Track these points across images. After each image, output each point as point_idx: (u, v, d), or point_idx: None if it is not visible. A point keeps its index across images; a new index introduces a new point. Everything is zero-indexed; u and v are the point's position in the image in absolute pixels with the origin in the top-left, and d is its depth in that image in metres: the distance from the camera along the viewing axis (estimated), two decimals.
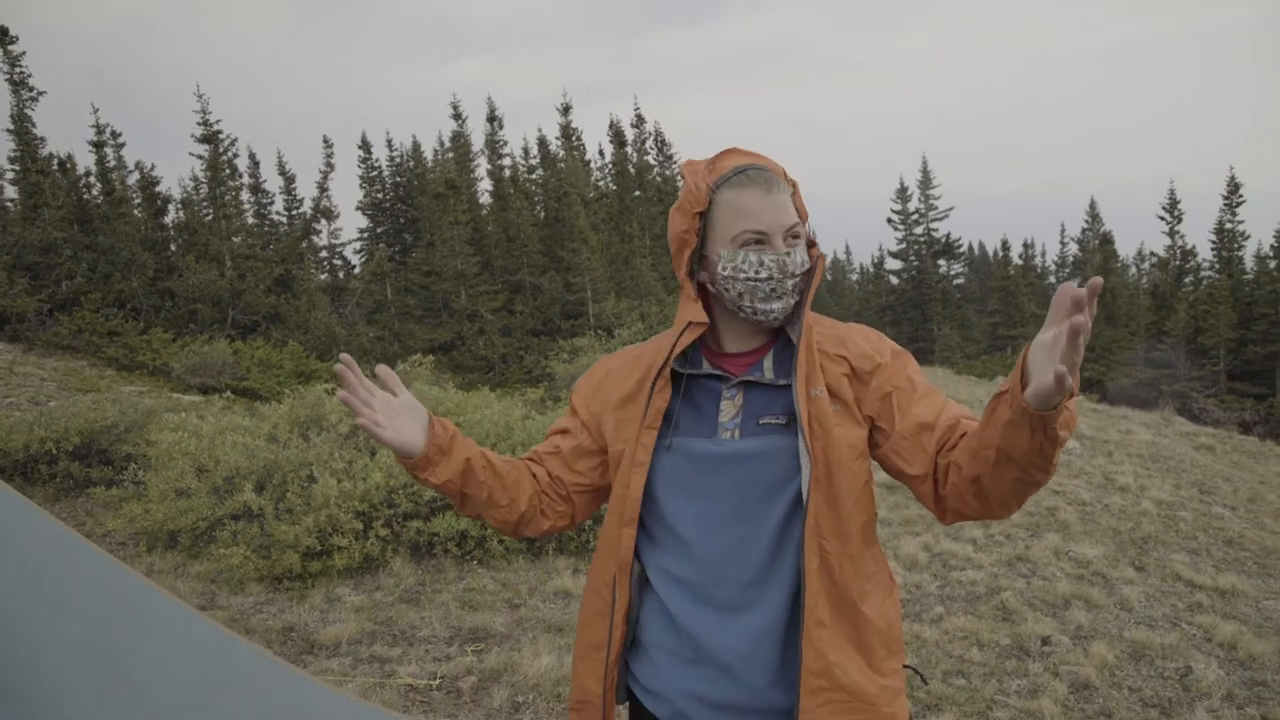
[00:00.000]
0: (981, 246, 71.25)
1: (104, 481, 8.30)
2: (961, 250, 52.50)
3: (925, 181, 50.16)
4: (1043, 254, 59.00)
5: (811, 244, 1.70)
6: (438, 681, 4.63)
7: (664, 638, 1.70)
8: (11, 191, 25.09)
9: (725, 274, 1.65)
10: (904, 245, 50.83)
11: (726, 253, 1.64)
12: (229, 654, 2.36)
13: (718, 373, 1.70)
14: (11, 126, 22.86)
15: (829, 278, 72.91)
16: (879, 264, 56.09)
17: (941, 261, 50.52)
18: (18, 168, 22.71)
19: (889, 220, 51.10)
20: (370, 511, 6.65)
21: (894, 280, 52.66)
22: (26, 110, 22.95)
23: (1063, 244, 57.10)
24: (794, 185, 1.69)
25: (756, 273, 1.63)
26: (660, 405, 1.71)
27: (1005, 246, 47.67)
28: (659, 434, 1.70)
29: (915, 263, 50.17)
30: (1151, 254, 43.50)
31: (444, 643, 5.21)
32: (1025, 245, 50.53)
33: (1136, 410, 16.96)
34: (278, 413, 8.77)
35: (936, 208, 50.33)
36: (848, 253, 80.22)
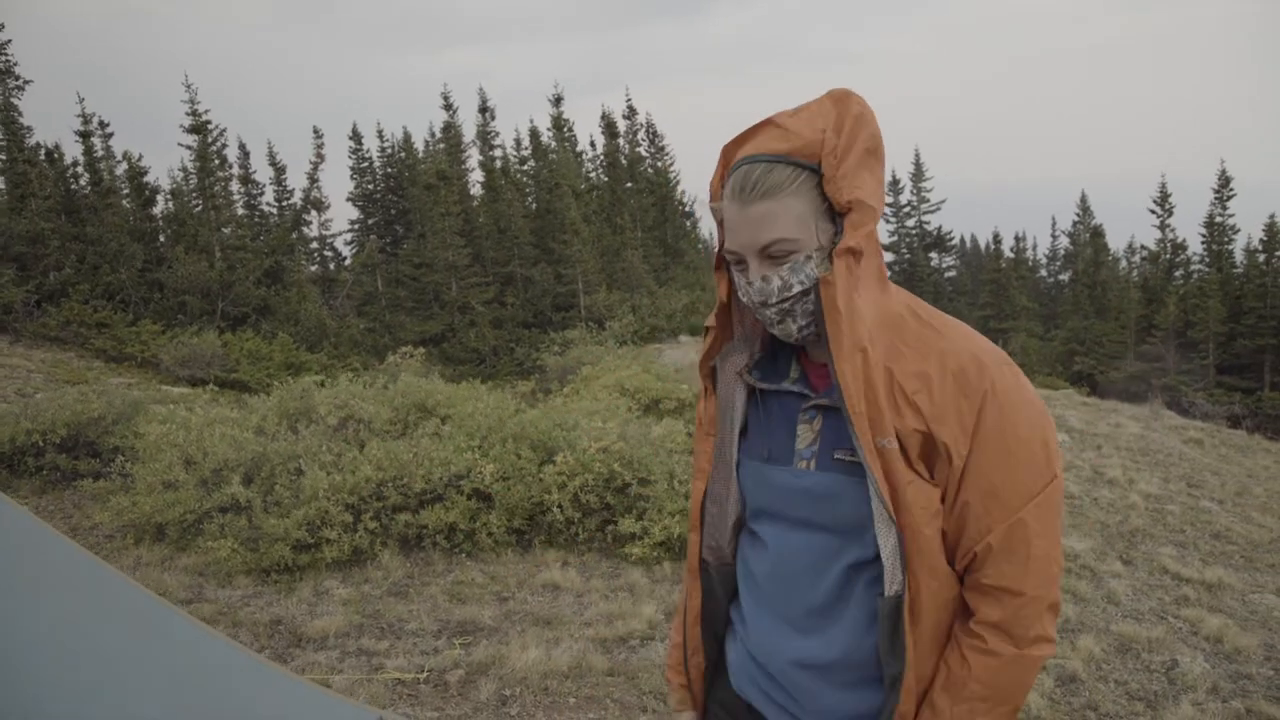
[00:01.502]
0: (973, 239, 71.40)
1: (91, 474, 8.26)
2: (953, 243, 52.59)
3: (917, 174, 50.17)
4: (1034, 247, 59.09)
5: (845, 251, 1.35)
6: (425, 675, 4.62)
7: (745, 635, 1.60)
8: None
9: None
10: (896, 238, 50.88)
11: (734, 272, 1.47)
12: (210, 651, 2.35)
13: (797, 389, 1.49)
14: None
15: None
16: None
17: (933, 254, 50.59)
18: (4, 157, 22.55)
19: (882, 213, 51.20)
20: (359, 504, 6.63)
21: (888, 273, 52.73)
22: (12, 99, 22.79)
23: (1054, 237, 57.14)
24: (825, 166, 1.34)
25: (742, 296, 1.44)
26: (713, 414, 1.58)
27: (997, 239, 47.76)
28: (740, 448, 1.56)
29: (907, 255, 50.24)
30: (1142, 247, 43.67)
31: (432, 636, 5.20)
32: (1017, 238, 50.76)
33: (1126, 404, 17.02)
34: (266, 405, 8.75)
35: (929, 200, 50.37)
36: None
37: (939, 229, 50.41)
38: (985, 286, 46.95)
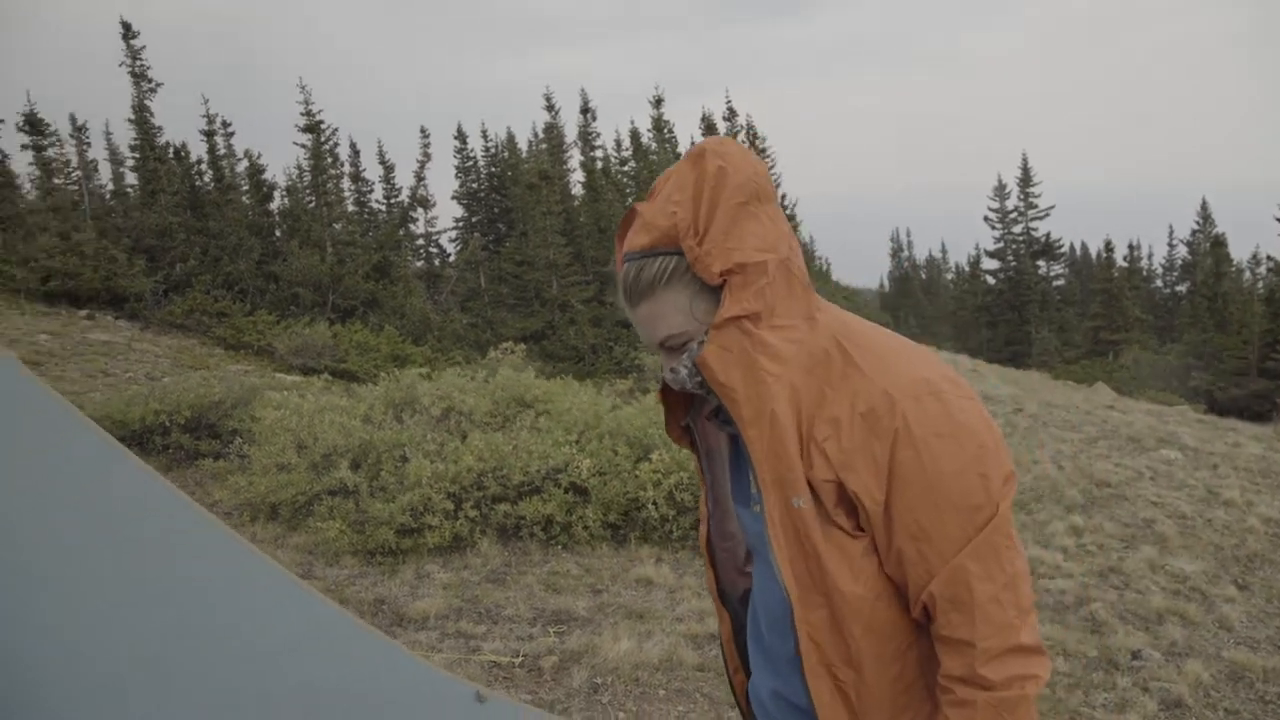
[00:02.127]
0: (1084, 247, 69.00)
1: (212, 454, 8.71)
2: (1062, 250, 50.87)
3: (1025, 179, 48.69)
4: (1149, 256, 56.84)
5: (723, 323, 1.32)
6: (520, 659, 4.75)
7: (751, 685, 1.65)
8: (131, 178, 26.36)
9: None
10: (1002, 244, 49.50)
11: None
12: (323, 617, 2.49)
13: None
14: (132, 116, 24.01)
15: (923, 276, 71.48)
16: (975, 263, 54.73)
17: (1041, 262, 49.02)
18: (137, 155, 23.83)
19: (986, 218, 49.82)
20: (460, 493, 6.83)
21: (990, 280, 51.32)
22: (146, 101, 24.09)
23: (1171, 246, 54.82)
24: (686, 241, 1.32)
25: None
26: (698, 463, 1.63)
27: (1109, 247, 46.04)
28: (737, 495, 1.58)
29: (1013, 263, 48.81)
30: (1269, 258, 41.40)
31: (527, 623, 5.33)
32: (1131, 247, 48.86)
33: (1247, 423, 16.23)
34: (373, 394, 9.07)
35: (1036, 206, 48.84)
36: (943, 251, 78.64)
37: (1047, 235, 48.84)
38: (1096, 296, 45.32)
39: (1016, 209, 49.10)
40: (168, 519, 2.32)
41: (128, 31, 23.92)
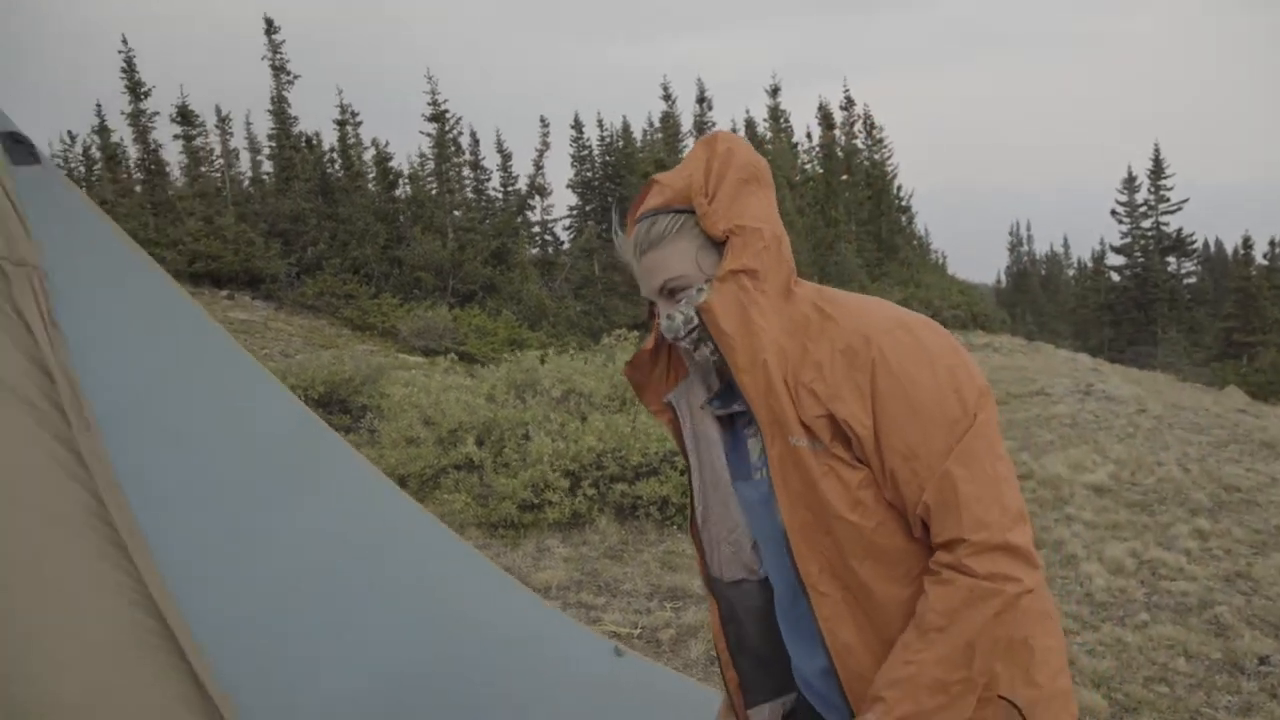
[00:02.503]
0: (1219, 244, 65.51)
1: (343, 428, 9.23)
2: (1195, 247, 48.41)
3: (1156, 171, 46.44)
4: None
5: (731, 273, 1.46)
6: (639, 631, 4.97)
7: (793, 664, 1.69)
8: (267, 166, 27.76)
9: None
10: (1129, 240, 47.41)
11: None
12: (471, 565, 2.73)
13: (742, 409, 1.59)
14: (271, 107, 25.30)
15: (1042, 272, 69.02)
16: (1099, 259, 52.53)
17: (1171, 258, 46.78)
18: (274, 144, 25.11)
19: (1113, 212, 47.75)
20: (580, 472, 7.10)
21: (1115, 277, 49.19)
22: (284, 92, 25.34)
23: None
24: (698, 204, 1.49)
25: (665, 335, 1.58)
26: (681, 444, 1.70)
27: (1247, 244, 43.71)
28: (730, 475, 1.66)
29: (1140, 259, 46.70)
30: None
31: (644, 597, 5.55)
32: (1272, 244, 45.96)
33: None
34: (496, 375, 9.45)
35: (1168, 200, 46.55)
36: (1065, 246, 75.77)
37: (1179, 231, 46.51)
38: (1230, 296, 43.02)
39: (1146, 202, 46.94)
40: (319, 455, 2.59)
41: (270, 27, 25.20)
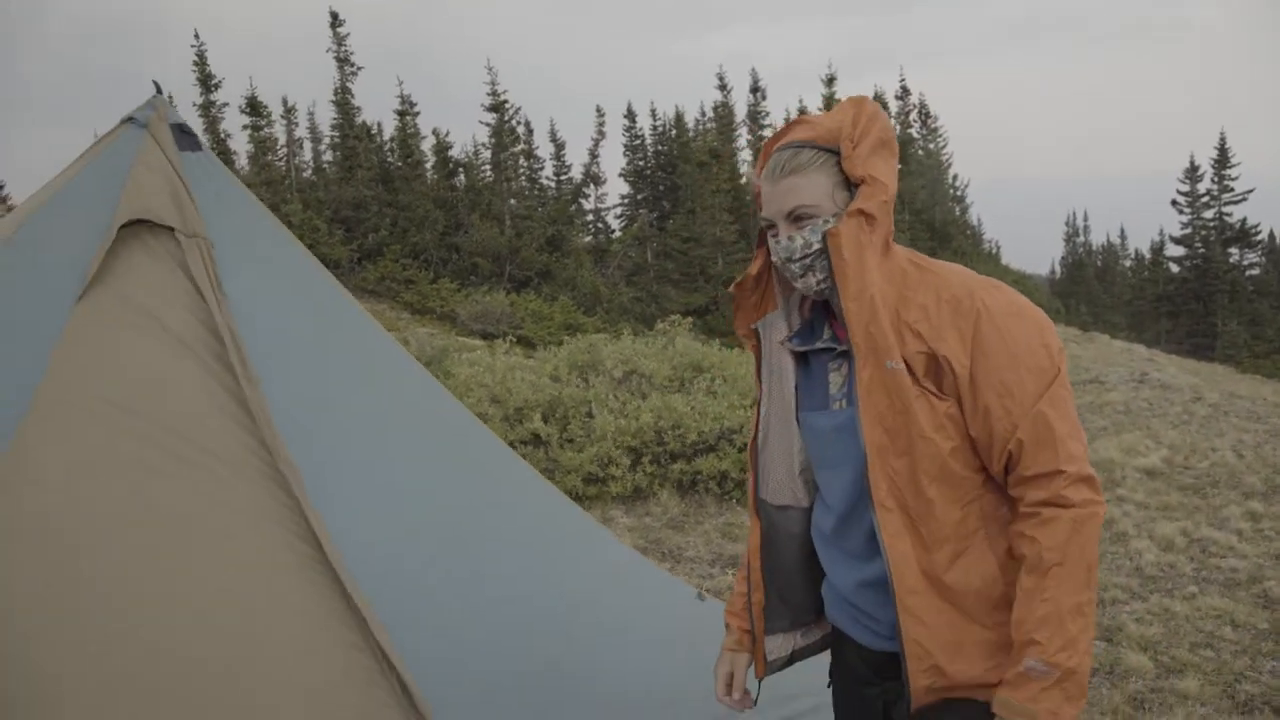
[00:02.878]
0: None
1: None
2: (1259, 238, 47.23)
3: (1221, 160, 45.30)
4: None
5: (859, 212, 1.61)
6: (705, 593, 5.26)
7: (827, 587, 1.87)
8: (328, 155, 28.47)
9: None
10: (1189, 230, 46.42)
11: (769, 238, 1.74)
12: (563, 509, 3.03)
13: (829, 344, 1.75)
14: (334, 98, 25.93)
15: (1098, 263, 67.77)
16: (1158, 250, 51.46)
17: (1234, 250, 45.71)
18: (337, 134, 25.75)
19: (1174, 202, 46.73)
20: (641, 447, 7.41)
21: (1174, 268, 48.18)
22: (348, 84, 25.96)
23: None
24: (844, 148, 1.63)
25: (773, 257, 1.71)
26: (757, 370, 1.86)
27: None
28: (799, 407, 1.81)
29: (1201, 249, 45.68)
30: None
31: (707, 564, 5.85)
32: None
33: None
34: (559, 356, 9.79)
35: (1232, 189, 45.43)
36: (1122, 236, 74.04)
37: (1243, 221, 45.37)
38: None
39: (1209, 192, 45.84)
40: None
41: (335, 20, 25.81)
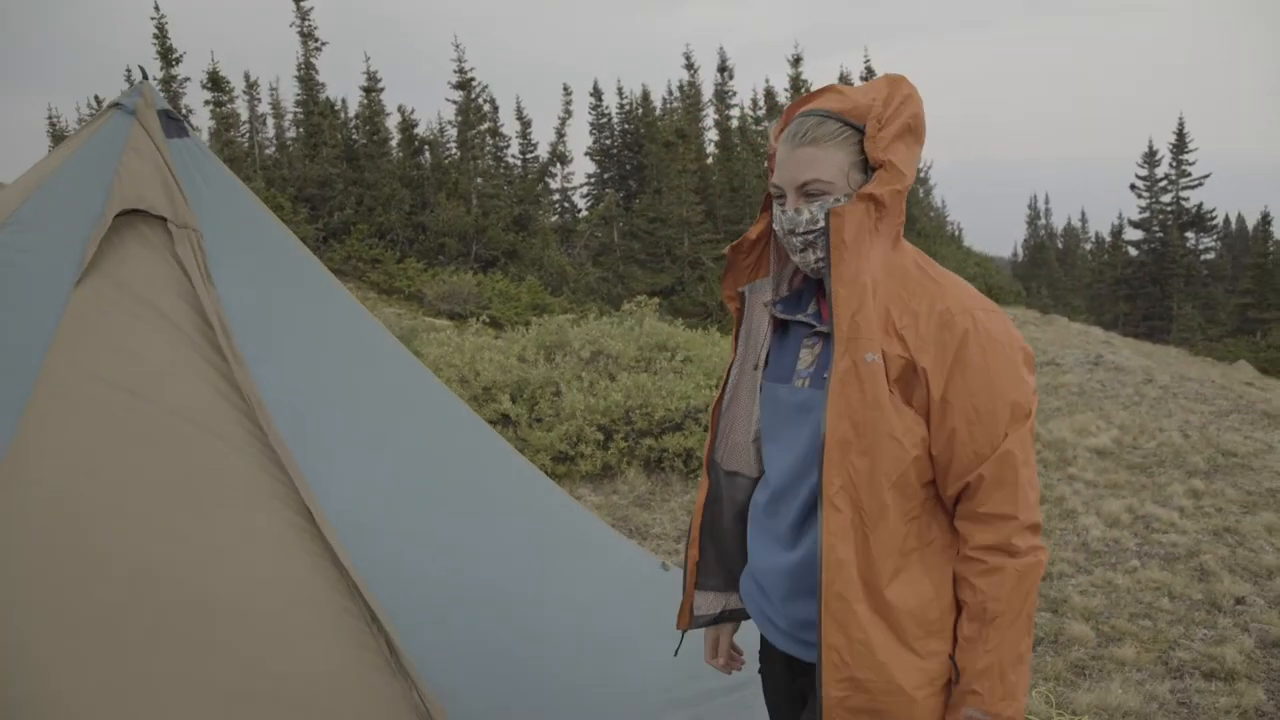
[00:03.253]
0: (1240, 220, 64.99)
1: None
2: (1214, 223, 48.22)
3: (1179, 145, 46.05)
4: None
5: (866, 196, 1.56)
6: (669, 568, 5.43)
7: (749, 557, 1.86)
8: (291, 131, 28.17)
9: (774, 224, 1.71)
10: (1147, 214, 47.25)
11: (775, 204, 1.69)
12: (536, 482, 3.17)
13: (809, 320, 1.72)
14: (298, 73, 25.65)
15: (1059, 245, 68.79)
16: (1117, 233, 52.40)
17: (1190, 234, 46.64)
18: (301, 110, 25.48)
19: (1132, 186, 47.54)
20: (610, 426, 7.55)
21: (1132, 252, 49.09)
22: (312, 59, 25.68)
23: None
24: (869, 128, 1.56)
25: (775, 226, 1.68)
26: (737, 332, 1.83)
27: (1266, 220, 43.60)
28: (763, 372, 1.79)
29: (1159, 234, 46.54)
30: None
31: (673, 540, 6.02)
32: None
33: None
34: (526, 337, 9.89)
35: (1189, 174, 46.26)
36: (1083, 220, 75.15)
37: (1199, 206, 46.25)
38: (1247, 272, 42.96)
39: (1167, 176, 46.67)
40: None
41: None
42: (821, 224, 1.57)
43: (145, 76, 2.78)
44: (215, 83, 24.22)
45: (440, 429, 2.96)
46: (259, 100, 28.25)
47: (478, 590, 2.61)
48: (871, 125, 1.55)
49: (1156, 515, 6.72)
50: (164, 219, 2.43)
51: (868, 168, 1.58)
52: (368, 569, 2.28)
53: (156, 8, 24.15)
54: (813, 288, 1.75)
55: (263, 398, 2.38)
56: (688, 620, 1.95)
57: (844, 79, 36.41)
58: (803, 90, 37.35)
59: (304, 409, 2.50)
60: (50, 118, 39.38)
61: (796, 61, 34.51)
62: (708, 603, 1.95)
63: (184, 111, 24.43)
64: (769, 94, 38.41)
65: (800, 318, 1.73)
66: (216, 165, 2.80)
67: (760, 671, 1.94)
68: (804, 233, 1.60)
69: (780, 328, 1.79)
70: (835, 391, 1.54)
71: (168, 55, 24.45)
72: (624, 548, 3.34)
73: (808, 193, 1.58)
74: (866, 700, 1.55)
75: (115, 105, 2.63)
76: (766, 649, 1.89)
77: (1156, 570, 5.62)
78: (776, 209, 1.66)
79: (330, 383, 2.67)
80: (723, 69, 36.94)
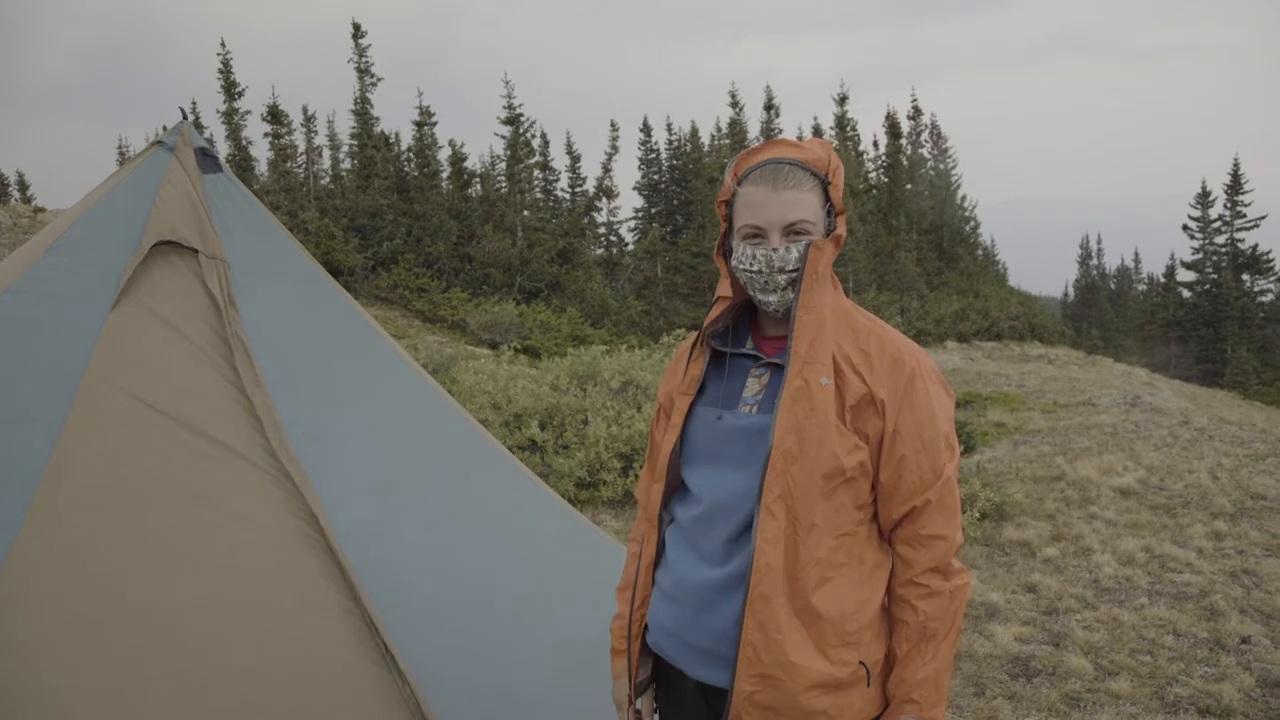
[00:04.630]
0: None
1: None
2: (1271, 264, 47.24)
3: (1234, 185, 45.33)
4: None
5: (836, 238, 1.74)
6: None
7: (663, 577, 1.84)
8: (346, 163, 29.00)
9: (734, 264, 1.77)
10: (1200, 255, 46.46)
11: (736, 245, 1.75)
12: (529, 488, 3.36)
13: (753, 352, 1.81)
14: (354, 107, 26.48)
15: (1111, 286, 67.71)
16: (1170, 274, 51.51)
17: (1245, 276, 45.72)
18: (356, 143, 26.28)
19: (1185, 227, 46.83)
20: (631, 454, 7.75)
21: (1185, 293, 48.24)
22: (367, 94, 26.51)
23: None
24: (830, 177, 1.74)
25: (751, 265, 1.72)
26: (695, 374, 1.83)
27: None
28: (693, 401, 1.83)
29: (1213, 275, 45.72)
30: None
31: None
32: None
33: None
34: (560, 366, 10.13)
35: (1244, 215, 45.45)
36: (1136, 261, 73.73)
37: (1254, 247, 45.34)
38: None
39: (1221, 217, 45.91)
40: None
41: (357, 31, 26.37)
42: (802, 263, 1.70)
43: (185, 117, 3.02)
44: (274, 116, 25.09)
45: (452, 453, 3.16)
46: (316, 133, 29.24)
47: (484, 608, 2.76)
48: (832, 174, 1.74)
49: (1173, 555, 6.71)
50: (195, 250, 2.66)
51: (830, 214, 1.74)
52: (371, 577, 2.45)
53: (223, 44, 25.21)
54: (747, 324, 1.87)
55: (279, 418, 2.58)
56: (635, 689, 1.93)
57: (890, 117, 36.51)
58: (848, 129, 37.57)
59: (319, 431, 2.69)
60: (120, 147, 40.92)
61: (843, 100, 34.75)
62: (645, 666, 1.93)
63: (244, 143, 25.37)
64: (816, 131, 38.62)
65: (743, 351, 1.82)
66: (247, 198, 3.04)
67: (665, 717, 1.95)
68: (792, 269, 1.69)
69: (716, 359, 1.86)
70: (785, 407, 1.65)
71: (231, 89, 25.42)
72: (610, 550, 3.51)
73: (795, 231, 1.69)
74: (772, 696, 1.65)
75: (157, 143, 2.89)
76: (676, 688, 1.87)
77: (1164, 609, 5.63)
78: (749, 250, 1.71)
79: (347, 406, 2.88)
80: (769, 107, 37.29)
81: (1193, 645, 5.14)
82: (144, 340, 2.54)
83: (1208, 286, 45.58)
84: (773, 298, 1.72)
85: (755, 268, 1.70)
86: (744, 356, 1.81)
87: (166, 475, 2.41)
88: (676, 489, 1.86)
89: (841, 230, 1.75)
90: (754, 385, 1.78)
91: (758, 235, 1.70)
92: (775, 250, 1.68)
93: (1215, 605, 5.74)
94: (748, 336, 1.84)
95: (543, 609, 2.95)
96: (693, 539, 1.78)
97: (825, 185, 1.73)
